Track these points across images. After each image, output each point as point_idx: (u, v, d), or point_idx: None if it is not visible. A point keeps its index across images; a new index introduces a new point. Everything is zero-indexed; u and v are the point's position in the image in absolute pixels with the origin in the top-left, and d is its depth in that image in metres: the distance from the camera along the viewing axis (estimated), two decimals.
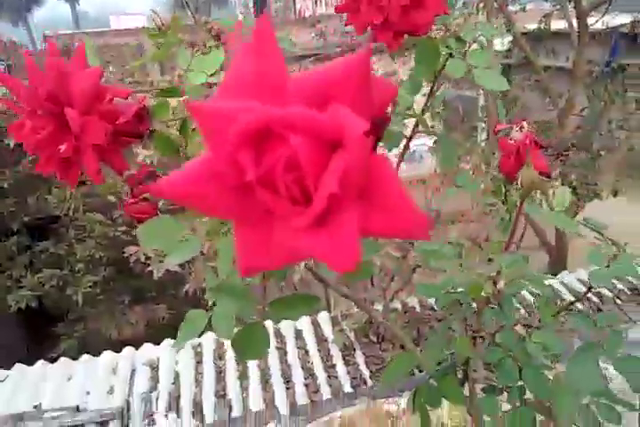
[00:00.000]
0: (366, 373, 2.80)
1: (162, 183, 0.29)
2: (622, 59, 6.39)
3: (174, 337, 2.75)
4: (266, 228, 0.28)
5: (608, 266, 0.70)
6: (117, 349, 3.08)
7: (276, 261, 0.30)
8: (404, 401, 0.97)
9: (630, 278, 3.71)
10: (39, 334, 3.48)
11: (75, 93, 0.45)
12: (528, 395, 0.67)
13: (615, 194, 4.69)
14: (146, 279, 3.38)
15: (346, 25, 0.56)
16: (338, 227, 0.27)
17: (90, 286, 3.19)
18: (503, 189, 0.64)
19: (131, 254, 3.03)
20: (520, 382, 0.66)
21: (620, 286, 3.64)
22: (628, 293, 3.62)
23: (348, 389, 2.66)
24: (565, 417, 0.57)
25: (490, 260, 0.60)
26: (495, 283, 0.62)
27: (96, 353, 3.04)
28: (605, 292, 3.54)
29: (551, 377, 0.64)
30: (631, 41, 6.66)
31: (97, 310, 3.45)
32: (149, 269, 2.89)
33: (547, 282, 3.75)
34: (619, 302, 3.50)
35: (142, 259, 2.87)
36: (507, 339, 0.67)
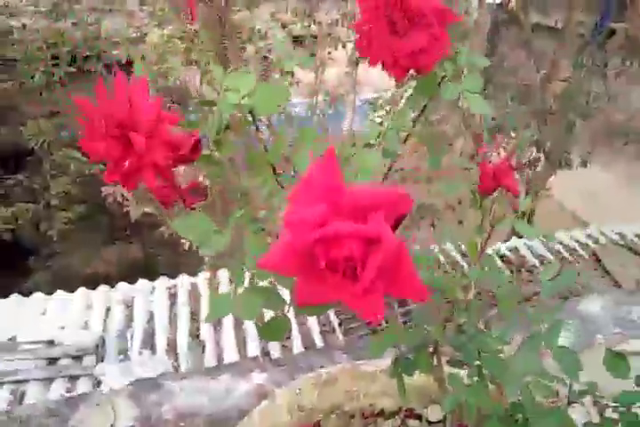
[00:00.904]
0: (335, 321, 2.91)
1: (263, 260, 0.46)
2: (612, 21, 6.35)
3: (148, 277, 2.79)
4: (322, 285, 0.45)
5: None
6: (91, 285, 3.12)
7: (323, 301, 0.48)
8: (383, 363, 1.05)
9: (591, 244, 3.88)
10: (11, 267, 3.49)
11: (140, 122, 0.54)
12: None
13: (585, 164, 4.80)
14: (121, 219, 3.39)
15: (360, 56, 0.61)
16: (371, 293, 0.44)
17: (64, 223, 3.18)
18: (479, 200, 0.70)
19: (107, 195, 3.03)
20: (478, 362, 0.74)
21: (580, 251, 3.80)
22: (587, 257, 3.79)
23: (316, 337, 2.78)
24: (511, 392, 0.67)
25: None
26: (466, 290, 0.71)
27: (69, 289, 3.08)
28: (567, 256, 3.70)
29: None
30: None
31: (71, 247, 3.46)
32: (126, 209, 2.89)
33: (511, 244, 3.88)
34: (577, 266, 3.66)
35: (119, 199, 2.87)
36: (470, 329, 0.74)
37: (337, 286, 0.44)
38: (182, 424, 1.47)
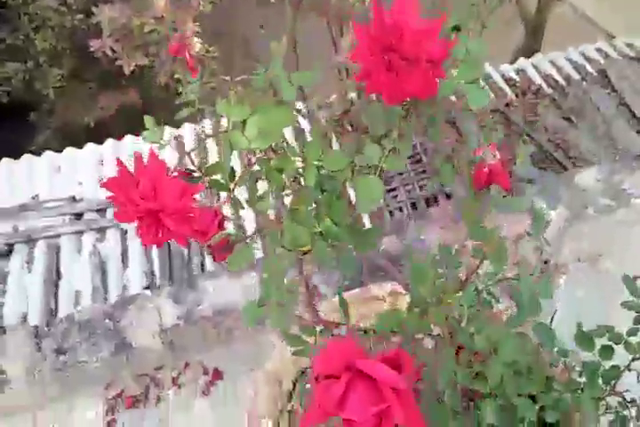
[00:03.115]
0: None
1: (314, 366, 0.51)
2: None
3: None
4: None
5: None
6: (96, 140, 3.15)
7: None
8: (388, 286, 1.16)
9: (601, 59, 3.75)
10: (15, 129, 3.48)
11: (165, 199, 0.59)
12: None
13: None
14: (114, 68, 3.28)
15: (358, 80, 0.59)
16: None
17: (58, 80, 3.09)
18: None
19: (96, 50, 2.89)
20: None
21: (588, 67, 3.69)
22: (595, 74, 3.69)
23: None
24: (496, 379, 0.71)
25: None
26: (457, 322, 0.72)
27: (76, 143, 3.11)
28: (574, 75, 3.60)
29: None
30: None
31: (68, 101, 3.40)
32: (118, 63, 2.78)
33: (518, 66, 3.75)
34: (584, 84, 3.59)
35: (109, 53, 2.74)
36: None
37: None
38: (221, 319, 1.61)
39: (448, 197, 2.73)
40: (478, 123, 3.08)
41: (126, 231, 2.66)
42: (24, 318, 2.34)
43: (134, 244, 2.60)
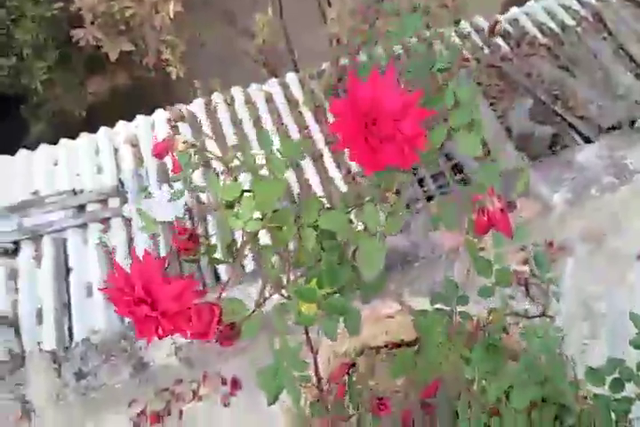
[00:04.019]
0: None
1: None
2: None
3: (140, 106, 2.74)
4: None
5: None
6: (90, 129, 3.11)
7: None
8: (395, 305, 1.16)
9: (595, 2, 3.64)
10: (6, 122, 3.44)
11: (162, 302, 0.59)
12: None
13: None
14: (100, 55, 3.22)
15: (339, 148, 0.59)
16: None
17: (44, 73, 3.04)
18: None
19: (79, 39, 2.83)
20: None
21: (582, 12, 3.58)
22: (590, 19, 3.58)
23: (321, 146, 2.84)
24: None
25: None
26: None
27: (70, 134, 3.08)
28: (569, 21, 3.50)
29: None
30: None
31: (56, 90, 3.35)
32: (103, 51, 2.72)
33: (510, 15, 3.64)
34: (579, 30, 3.49)
35: (92, 41, 2.68)
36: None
37: None
38: None
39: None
40: (473, 81, 3.01)
41: (130, 220, 2.65)
42: (39, 314, 2.36)
43: (139, 231, 2.60)
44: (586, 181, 1.76)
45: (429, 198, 2.59)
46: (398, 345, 1.18)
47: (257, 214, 0.67)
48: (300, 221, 0.67)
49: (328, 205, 0.69)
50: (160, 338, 0.61)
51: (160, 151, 0.74)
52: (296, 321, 0.64)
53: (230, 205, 0.65)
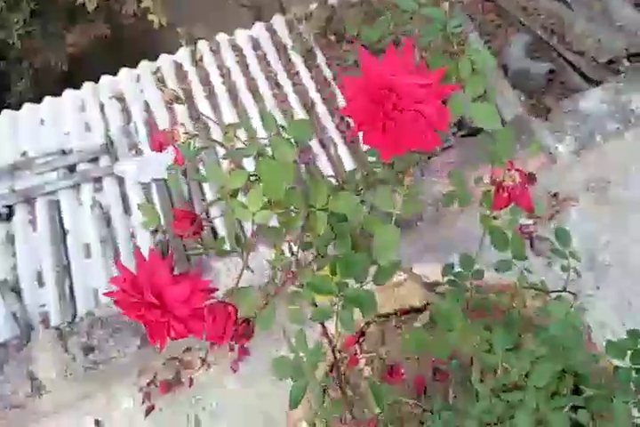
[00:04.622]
0: (329, 75, 2.84)
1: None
2: None
3: (123, 58, 2.63)
4: None
5: None
6: (73, 84, 3.01)
7: None
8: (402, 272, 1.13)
9: None
10: None
11: (172, 305, 0.56)
12: None
13: None
14: (78, 5, 3.07)
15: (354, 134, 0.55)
16: None
17: (21, 26, 2.91)
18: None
19: None
20: None
21: None
22: None
23: (313, 95, 2.75)
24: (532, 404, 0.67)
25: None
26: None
27: (54, 93, 2.99)
28: None
29: None
30: None
31: (35, 44, 3.22)
32: (80, 1, 2.58)
33: None
34: None
35: None
36: None
37: None
38: None
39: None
40: (468, 16, 2.87)
41: (123, 178, 2.61)
42: (39, 277, 2.37)
43: (133, 190, 2.56)
44: (590, 129, 1.70)
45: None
46: (407, 312, 1.18)
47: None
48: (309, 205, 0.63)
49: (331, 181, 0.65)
50: (174, 340, 0.58)
51: (159, 143, 0.69)
52: (312, 317, 0.62)
53: (234, 194, 0.61)
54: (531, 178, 0.59)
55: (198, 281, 0.57)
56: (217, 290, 0.60)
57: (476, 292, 0.78)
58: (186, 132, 0.67)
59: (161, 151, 0.70)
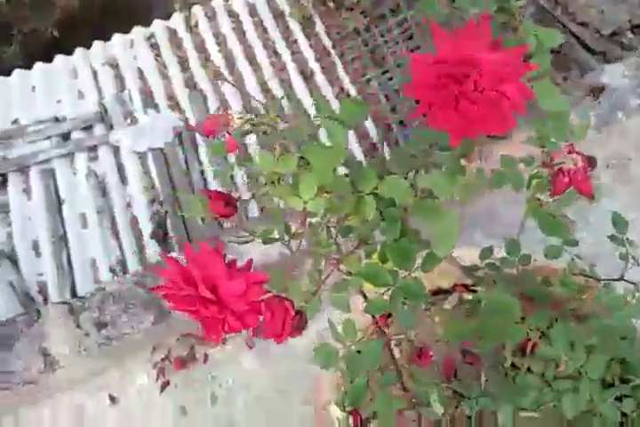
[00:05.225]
0: (328, 43, 2.79)
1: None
2: None
3: (115, 23, 2.57)
4: None
5: None
6: (64, 50, 2.93)
7: None
8: None
9: None
10: None
11: (228, 300, 0.54)
12: None
13: None
14: None
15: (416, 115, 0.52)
16: None
17: None
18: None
19: None
20: None
21: None
22: None
23: (312, 64, 2.70)
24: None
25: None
26: None
27: (44, 59, 2.91)
28: None
29: None
30: None
31: (24, 9, 3.12)
32: None
33: None
34: None
35: None
36: None
37: None
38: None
39: None
40: None
41: (118, 147, 2.57)
42: (35, 246, 2.35)
43: (128, 159, 2.52)
44: (612, 105, 1.67)
45: None
46: (435, 293, 1.17)
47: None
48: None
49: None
50: (227, 333, 0.57)
51: (212, 129, 0.66)
52: (366, 309, 0.61)
53: (275, 182, 0.58)
54: (591, 162, 0.57)
55: (254, 275, 0.55)
56: (266, 282, 0.58)
57: (524, 278, 0.76)
58: (241, 117, 0.64)
59: (213, 137, 0.66)
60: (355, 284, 0.61)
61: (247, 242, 0.68)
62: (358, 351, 0.64)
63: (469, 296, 1.10)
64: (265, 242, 0.65)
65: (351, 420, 0.77)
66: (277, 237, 0.65)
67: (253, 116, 0.63)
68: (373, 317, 0.74)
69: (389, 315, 1.13)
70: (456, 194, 0.57)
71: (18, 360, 1.55)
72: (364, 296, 0.63)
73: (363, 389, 0.63)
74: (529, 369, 0.75)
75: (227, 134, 0.65)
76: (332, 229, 0.63)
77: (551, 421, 0.76)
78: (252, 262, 0.56)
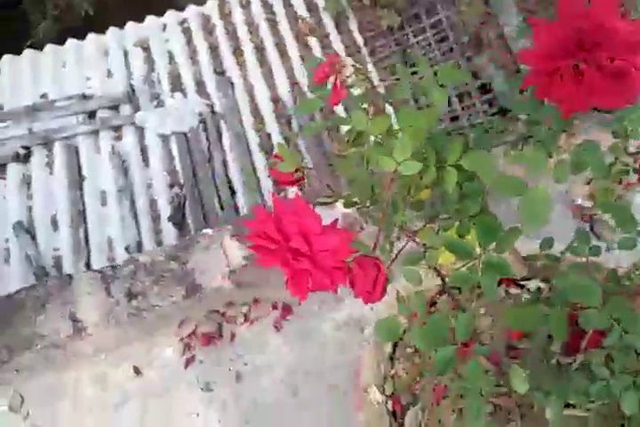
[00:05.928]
0: (360, 40, 2.79)
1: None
2: None
3: (149, 6, 2.56)
4: None
5: None
6: (97, 29, 2.95)
7: None
8: None
9: None
10: (7, 19, 3.25)
11: (319, 256, 0.53)
12: None
13: None
14: None
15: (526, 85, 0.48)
16: None
17: None
18: None
19: None
20: None
21: None
22: None
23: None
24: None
25: None
26: None
27: (77, 36, 2.93)
28: None
29: None
30: None
31: None
32: None
33: None
34: None
35: None
36: None
37: None
38: None
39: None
40: None
41: (143, 129, 2.58)
42: (54, 221, 2.37)
43: (152, 141, 2.54)
44: None
45: (454, 118, 2.52)
46: (478, 286, 1.15)
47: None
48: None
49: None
50: (312, 291, 0.56)
51: (322, 75, 0.65)
52: (450, 282, 0.59)
53: (379, 143, 0.57)
54: None
55: (347, 233, 0.53)
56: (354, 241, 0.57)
57: (595, 270, 0.75)
58: (353, 65, 0.62)
59: (322, 84, 0.64)
60: (431, 258, 0.59)
61: (329, 203, 0.68)
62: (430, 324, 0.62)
63: (517, 290, 1.10)
64: (346, 206, 0.64)
65: (390, 404, 0.76)
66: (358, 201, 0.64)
67: (361, 66, 0.61)
68: (446, 292, 0.73)
69: (434, 303, 1.13)
70: (553, 172, 0.55)
71: (47, 323, 1.56)
72: (436, 270, 0.62)
73: (450, 359, 0.62)
74: (582, 365, 0.74)
75: (334, 83, 0.62)
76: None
77: (600, 418, 0.75)
78: (337, 222, 0.55)
